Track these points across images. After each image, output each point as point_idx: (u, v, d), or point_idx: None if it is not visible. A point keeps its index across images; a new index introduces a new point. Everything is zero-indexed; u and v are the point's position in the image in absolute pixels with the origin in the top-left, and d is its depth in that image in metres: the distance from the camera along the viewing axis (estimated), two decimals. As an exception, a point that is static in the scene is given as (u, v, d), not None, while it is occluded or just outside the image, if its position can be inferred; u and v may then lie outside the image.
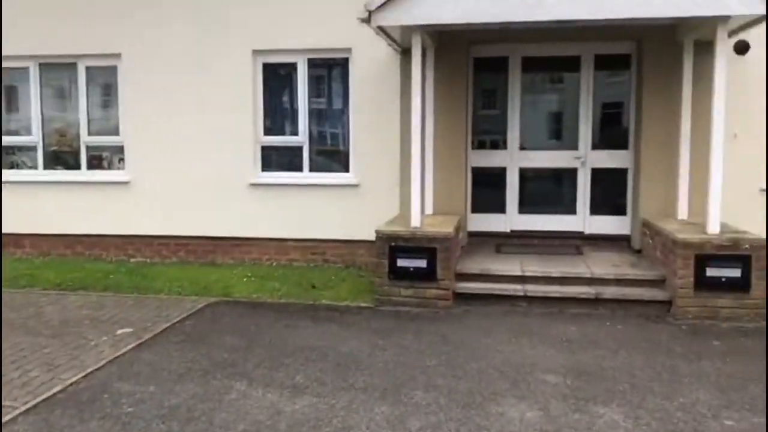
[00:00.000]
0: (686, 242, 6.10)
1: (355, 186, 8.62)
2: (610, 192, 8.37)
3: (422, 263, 6.47)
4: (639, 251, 7.74)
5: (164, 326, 5.97)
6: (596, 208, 8.32)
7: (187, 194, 8.96)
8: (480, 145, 8.56)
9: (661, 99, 7.66)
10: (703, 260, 6.03)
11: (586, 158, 8.26)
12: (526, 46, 8.22)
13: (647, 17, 6.02)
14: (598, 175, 8.31)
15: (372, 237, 6.89)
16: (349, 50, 8.53)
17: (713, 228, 6.24)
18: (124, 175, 9.16)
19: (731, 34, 7.44)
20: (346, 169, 8.78)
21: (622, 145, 8.21)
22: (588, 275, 6.73)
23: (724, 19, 6.06)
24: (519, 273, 6.81)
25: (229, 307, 6.69)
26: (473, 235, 8.32)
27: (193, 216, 8.97)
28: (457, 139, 8.08)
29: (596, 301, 6.47)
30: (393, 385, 4.58)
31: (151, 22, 8.86)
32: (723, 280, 6.00)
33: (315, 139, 8.86)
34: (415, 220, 6.77)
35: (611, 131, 8.38)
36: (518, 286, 6.68)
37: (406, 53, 8.03)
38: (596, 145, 8.28)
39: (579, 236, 8.33)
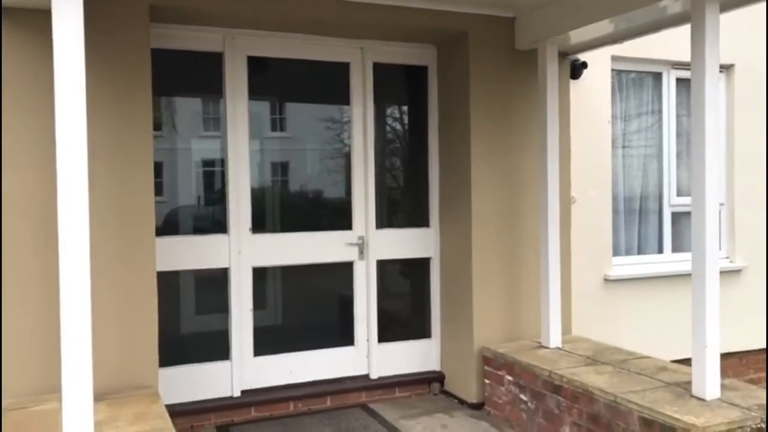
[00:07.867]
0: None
1: None
2: (408, 302, 4.90)
3: None
4: (479, 405, 4.39)
5: None
6: (387, 332, 4.73)
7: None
8: (175, 228, 4.22)
9: (497, 140, 4.51)
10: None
11: (367, 244, 4.62)
12: (251, 36, 4.28)
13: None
14: (388, 271, 4.76)
15: None
16: None
17: (713, 391, 3.22)
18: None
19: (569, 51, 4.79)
20: None
21: (423, 220, 4.84)
22: None
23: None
24: None
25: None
26: (172, 412, 3.73)
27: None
28: (139, 214, 3.63)
29: None
30: None
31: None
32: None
33: None
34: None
35: (408, 197, 4.94)
36: None
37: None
38: (384, 222, 4.73)
39: (363, 385, 4.59)
